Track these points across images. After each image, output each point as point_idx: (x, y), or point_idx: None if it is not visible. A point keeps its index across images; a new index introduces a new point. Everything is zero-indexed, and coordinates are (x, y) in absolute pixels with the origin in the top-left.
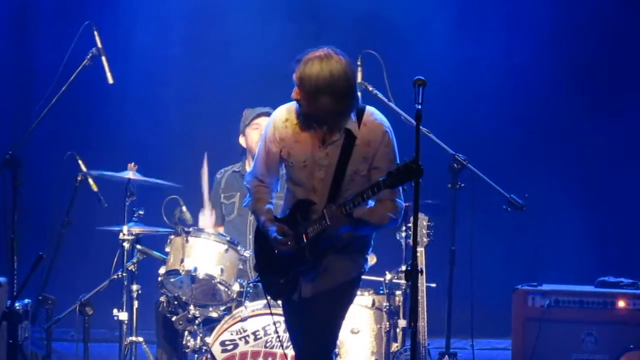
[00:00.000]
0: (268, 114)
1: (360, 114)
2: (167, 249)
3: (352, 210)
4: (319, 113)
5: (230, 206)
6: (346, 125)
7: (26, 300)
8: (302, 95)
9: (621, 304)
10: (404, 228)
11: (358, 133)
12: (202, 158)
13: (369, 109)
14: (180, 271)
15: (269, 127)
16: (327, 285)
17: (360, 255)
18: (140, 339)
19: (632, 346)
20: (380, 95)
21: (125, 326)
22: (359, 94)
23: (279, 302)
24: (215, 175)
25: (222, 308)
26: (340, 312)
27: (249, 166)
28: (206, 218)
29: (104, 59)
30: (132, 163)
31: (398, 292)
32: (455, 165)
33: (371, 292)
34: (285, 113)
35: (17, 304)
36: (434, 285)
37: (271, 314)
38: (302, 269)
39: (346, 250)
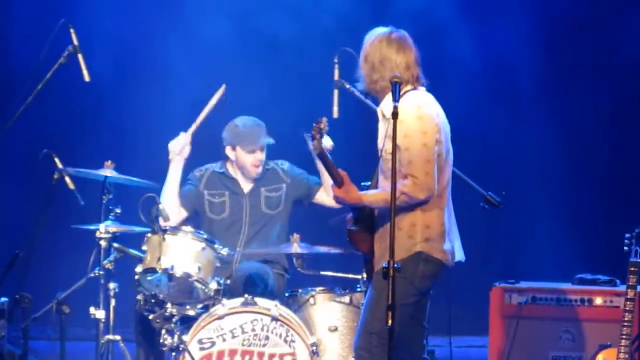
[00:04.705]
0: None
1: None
2: (144, 247)
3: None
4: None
5: (220, 205)
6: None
7: (2, 299)
8: None
9: (598, 301)
10: None
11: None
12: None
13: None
14: (157, 269)
15: None
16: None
17: (406, 239)
18: (117, 337)
19: (609, 343)
20: (357, 92)
21: (102, 325)
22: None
23: (256, 300)
24: (194, 173)
25: (199, 306)
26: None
27: (230, 166)
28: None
29: (80, 56)
30: (109, 161)
31: None
32: None
33: (348, 289)
34: None
35: None
36: None
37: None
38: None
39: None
